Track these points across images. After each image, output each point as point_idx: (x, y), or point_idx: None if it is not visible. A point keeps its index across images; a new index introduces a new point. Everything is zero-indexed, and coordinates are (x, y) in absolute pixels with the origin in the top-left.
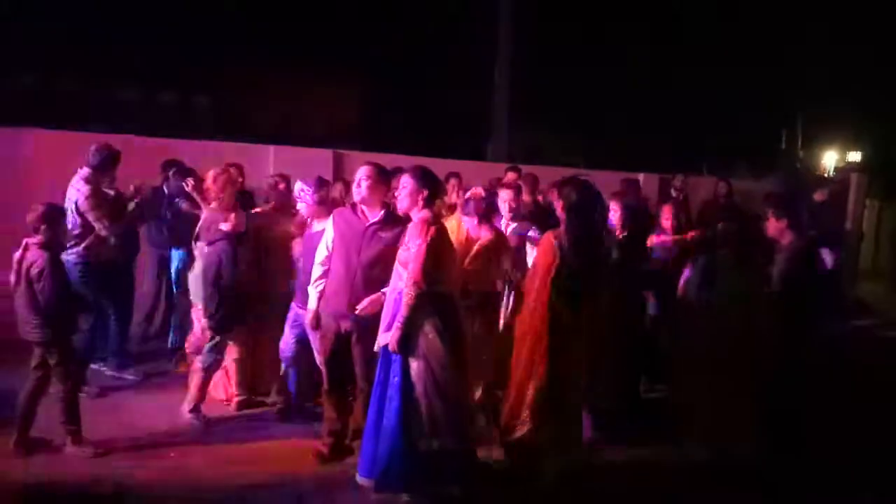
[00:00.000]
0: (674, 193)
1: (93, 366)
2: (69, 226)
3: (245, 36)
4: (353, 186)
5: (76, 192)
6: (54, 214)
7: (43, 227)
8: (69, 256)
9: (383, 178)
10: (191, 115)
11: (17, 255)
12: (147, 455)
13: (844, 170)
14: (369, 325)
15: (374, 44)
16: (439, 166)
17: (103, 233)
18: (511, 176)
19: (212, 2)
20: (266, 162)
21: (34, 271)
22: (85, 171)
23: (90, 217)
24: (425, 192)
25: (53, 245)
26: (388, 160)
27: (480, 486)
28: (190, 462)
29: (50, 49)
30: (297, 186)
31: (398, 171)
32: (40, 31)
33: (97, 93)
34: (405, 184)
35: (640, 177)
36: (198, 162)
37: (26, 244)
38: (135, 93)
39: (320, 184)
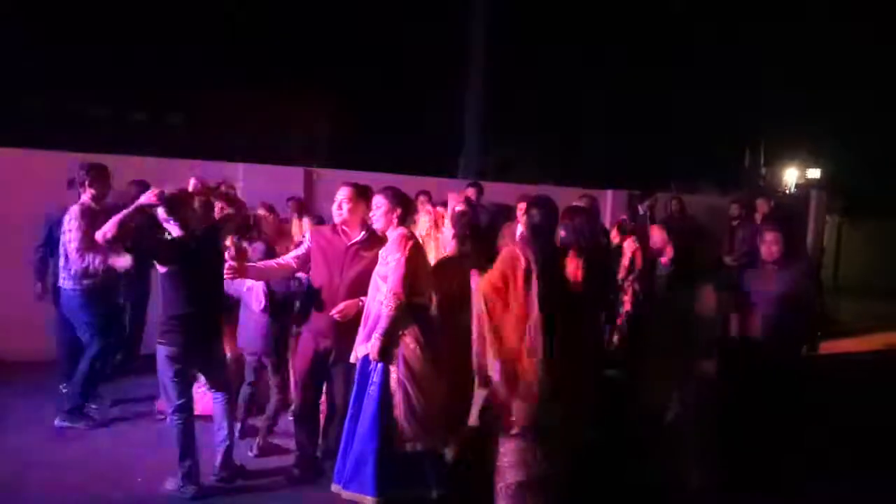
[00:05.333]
0: (641, 211)
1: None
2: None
3: (215, 54)
4: (334, 208)
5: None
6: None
7: None
8: (73, 287)
9: (363, 198)
10: (162, 133)
11: None
12: (115, 478)
13: (805, 186)
14: (348, 344)
15: (345, 60)
16: (411, 184)
17: (73, 254)
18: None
19: (183, 20)
20: (236, 181)
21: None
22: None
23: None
24: (399, 211)
25: None
26: (360, 178)
27: (458, 491)
28: (158, 486)
29: (20, 66)
30: None
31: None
32: (9, 47)
33: (67, 111)
34: (379, 204)
35: (609, 193)
36: (168, 181)
37: None
38: (105, 111)
39: None
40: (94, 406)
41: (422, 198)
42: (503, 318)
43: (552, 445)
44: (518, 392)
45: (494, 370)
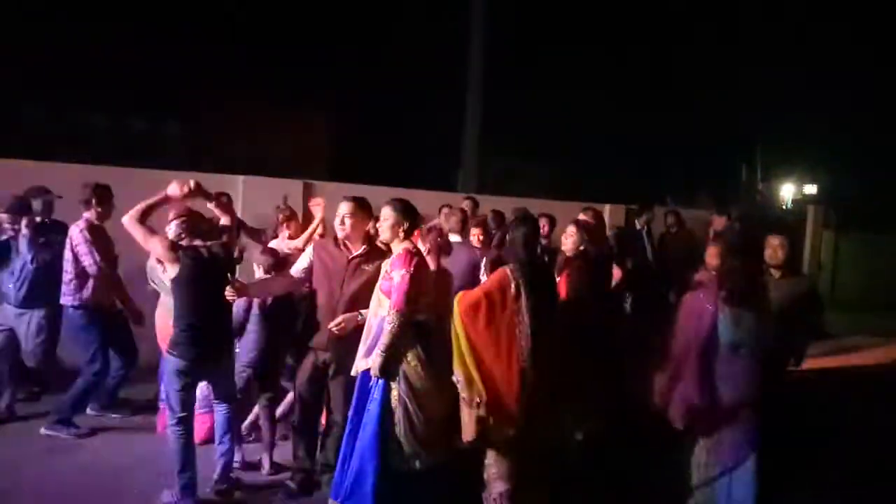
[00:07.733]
0: (638, 225)
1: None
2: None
3: (215, 65)
4: (336, 222)
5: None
6: None
7: None
8: (70, 302)
9: (366, 213)
10: (160, 144)
11: None
12: (111, 491)
13: (802, 202)
14: (347, 358)
15: (345, 72)
16: (409, 196)
17: (92, 270)
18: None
19: (182, 31)
20: (236, 192)
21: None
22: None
23: (81, 253)
24: (406, 225)
25: None
26: (358, 190)
27: None
28: (155, 499)
29: (18, 74)
30: None
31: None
32: (6, 55)
33: (65, 120)
34: (386, 216)
35: (607, 207)
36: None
37: None
38: (103, 120)
39: None
40: (114, 416)
41: (467, 203)
42: (482, 336)
43: (536, 456)
44: (499, 406)
45: (462, 385)
